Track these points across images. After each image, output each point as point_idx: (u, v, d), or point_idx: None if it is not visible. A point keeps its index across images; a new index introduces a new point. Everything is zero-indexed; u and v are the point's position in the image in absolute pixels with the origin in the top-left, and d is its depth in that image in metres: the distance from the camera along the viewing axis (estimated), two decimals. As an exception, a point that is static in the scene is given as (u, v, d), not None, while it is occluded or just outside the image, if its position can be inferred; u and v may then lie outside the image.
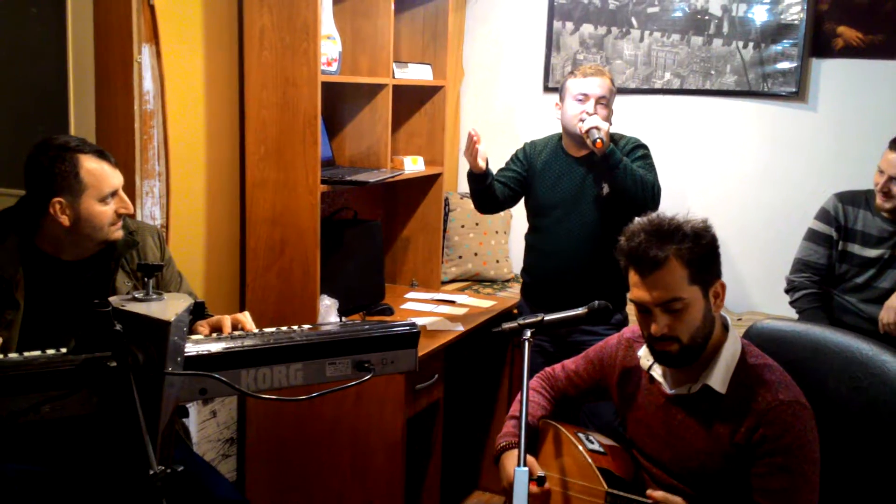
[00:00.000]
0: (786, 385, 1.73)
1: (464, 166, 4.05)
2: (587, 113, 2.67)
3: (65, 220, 1.90)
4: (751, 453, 1.71)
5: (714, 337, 1.77)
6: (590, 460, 1.86)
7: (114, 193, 1.95)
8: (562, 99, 2.80)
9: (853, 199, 2.89)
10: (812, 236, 2.95)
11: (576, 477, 1.89)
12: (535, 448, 2.03)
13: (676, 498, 1.70)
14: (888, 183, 2.73)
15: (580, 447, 1.90)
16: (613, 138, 2.75)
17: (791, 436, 1.67)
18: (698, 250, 1.72)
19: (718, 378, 1.76)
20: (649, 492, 1.71)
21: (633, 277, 1.75)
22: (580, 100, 2.71)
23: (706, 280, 1.74)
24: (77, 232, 1.93)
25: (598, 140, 2.58)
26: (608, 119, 2.72)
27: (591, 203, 2.77)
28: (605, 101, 2.72)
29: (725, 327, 1.81)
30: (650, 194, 2.65)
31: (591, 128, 2.61)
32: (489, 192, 2.79)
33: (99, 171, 1.92)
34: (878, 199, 2.77)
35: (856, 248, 2.86)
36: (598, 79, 2.72)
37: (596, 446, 1.93)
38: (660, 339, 1.73)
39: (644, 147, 2.78)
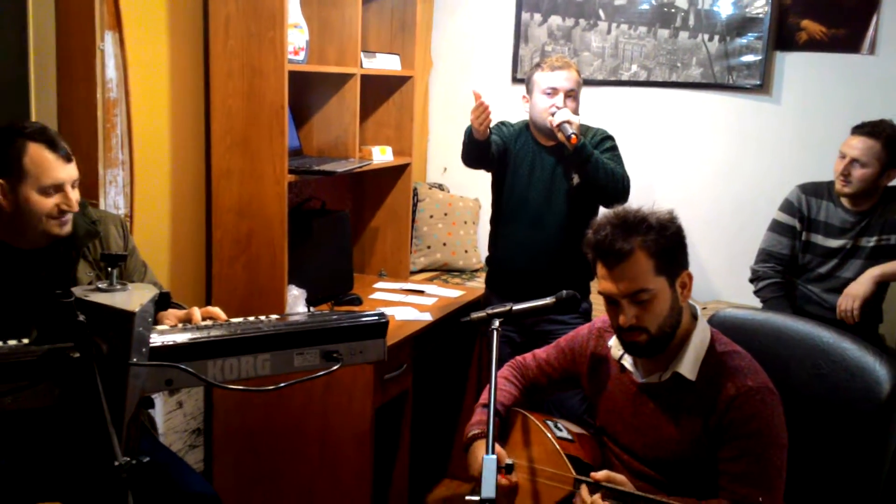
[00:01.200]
0: (754, 371, 1.76)
1: (433, 157, 4.06)
2: (556, 107, 2.68)
3: (4, 203, 1.88)
4: (719, 438, 1.74)
5: (682, 326, 1.80)
6: (558, 447, 1.88)
7: (58, 187, 1.89)
8: (529, 91, 2.80)
9: (816, 191, 2.94)
10: (776, 227, 2.99)
11: (544, 464, 1.91)
12: (505, 436, 2.04)
13: (620, 476, 1.72)
14: (848, 166, 2.78)
15: (548, 434, 1.92)
16: (581, 130, 2.76)
17: (758, 421, 1.70)
18: (663, 242, 1.74)
19: (688, 366, 1.78)
20: (592, 473, 1.72)
21: (600, 270, 1.77)
22: (549, 93, 2.71)
23: (672, 271, 1.76)
24: (18, 219, 1.90)
25: (573, 136, 2.58)
26: (576, 111, 2.73)
27: (561, 194, 2.78)
28: (573, 94, 2.73)
29: (694, 316, 1.84)
30: (621, 186, 2.66)
31: (563, 122, 2.61)
32: (486, 149, 2.71)
33: (42, 161, 1.87)
34: (838, 184, 2.82)
35: (819, 239, 2.91)
36: (565, 72, 2.72)
37: (564, 434, 1.95)
38: (628, 329, 1.75)
39: (611, 139, 2.80)
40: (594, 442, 2.00)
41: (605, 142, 2.78)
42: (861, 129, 2.82)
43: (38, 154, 1.86)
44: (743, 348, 1.83)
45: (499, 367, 1.83)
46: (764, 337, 2.04)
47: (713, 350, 1.80)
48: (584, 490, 1.72)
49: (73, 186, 1.94)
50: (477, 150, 2.71)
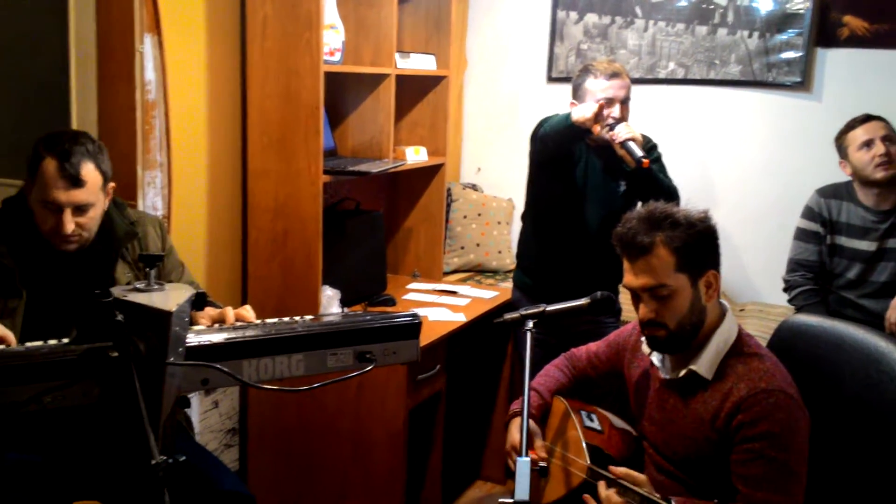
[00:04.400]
0: (771, 374, 1.73)
1: (467, 157, 4.05)
2: (613, 118, 2.56)
3: (30, 202, 1.91)
4: (729, 439, 1.73)
5: (707, 325, 1.79)
6: (581, 435, 1.91)
7: (56, 207, 1.86)
8: (579, 98, 2.66)
9: (835, 192, 2.90)
10: (800, 235, 2.96)
11: (569, 451, 1.95)
12: (545, 420, 2.10)
13: (640, 476, 1.72)
14: (885, 146, 2.72)
15: (577, 423, 1.95)
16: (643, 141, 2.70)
17: (768, 424, 1.68)
18: (688, 238, 1.74)
19: (705, 364, 1.78)
20: (611, 467, 1.74)
21: (625, 263, 1.80)
22: (606, 104, 2.56)
23: (696, 269, 1.75)
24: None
25: (644, 159, 2.46)
26: (627, 117, 2.62)
27: (609, 197, 2.73)
28: (627, 103, 2.63)
29: (723, 315, 1.82)
30: (673, 199, 2.58)
31: (628, 140, 2.49)
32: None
33: (48, 177, 1.85)
34: (880, 173, 2.73)
35: (843, 240, 2.86)
36: (619, 80, 2.60)
37: (595, 424, 1.97)
38: (648, 323, 1.78)
39: (656, 147, 2.76)
40: (630, 438, 2.00)
41: (653, 152, 2.73)
42: (863, 119, 2.82)
43: (47, 169, 1.86)
44: (804, 356, 1.82)
45: (532, 369, 1.84)
46: (825, 345, 2.01)
47: (736, 351, 1.80)
48: (601, 484, 1.74)
49: (80, 210, 1.89)
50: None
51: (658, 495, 1.66)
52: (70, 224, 1.88)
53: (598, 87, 2.60)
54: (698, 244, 1.76)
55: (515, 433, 2.00)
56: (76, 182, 1.87)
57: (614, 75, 2.59)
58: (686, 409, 1.82)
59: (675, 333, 1.77)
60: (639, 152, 2.48)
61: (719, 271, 1.81)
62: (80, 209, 1.89)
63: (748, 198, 3.47)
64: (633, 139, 2.49)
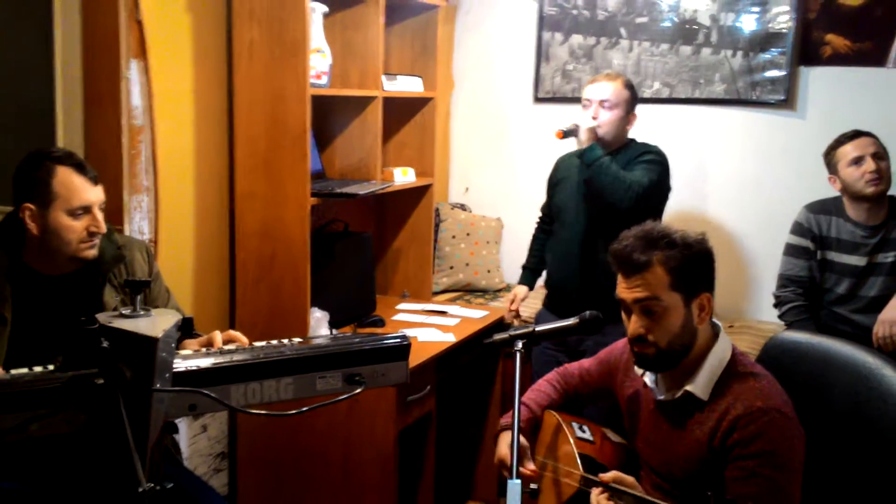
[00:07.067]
0: (766, 393, 1.73)
1: (455, 177, 4.06)
2: (593, 117, 2.77)
3: (33, 228, 1.90)
4: (724, 458, 1.72)
5: (698, 346, 1.79)
6: (574, 446, 1.91)
7: (86, 209, 1.92)
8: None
9: (823, 208, 2.91)
10: (790, 250, 2.97)
11: (562, 462, 1.94)
12: (535, 434, 2.10)
13: (629, 478, 1.72)
14: (875, 163, 2.74)
15: (570, 434, 1.95)
16: (629, 145, 2.82)
17: (763, 442, 1.67)
18: (684, 259, 1.75)
19: (700, 384, 1.78)
20: (600, 474, 1.74)
21: (619, 278, 1.81)
22: (585, 105, 2.81)
23: (690, 290, 1.76)
24: (47, 244, 1.92)
25: (559, 130, 2.73)
26: (617, 121, 2.78)
27: (590, 206, 2.80)
28: (607, 104, 2.76)
29: (716, 335, 1.82)
30: (623, 188, 2.63)
31: (573, 124, 2.74)
32: None
33: (71, 184, 1.89)
34: (870, 188, 2.75)
35: (833, 256, 2.87)
36: (598, 83, 2.80)
37: (587, 435, 1.98)
38: (637, 340, 1.78)
39: (653, 153, 2.79)
40: (622, 449, 2.00)
41: (645, 155, 2.77)
42: (853, 135, 2.83)
43: (66, 177, 1.89)
44: (793, 373, 1.82)
45: (522, 389, 1.83)
46: (813, 361, 2.00)
47: (731, 370, 1.79)
48: (593, 490, 1.73)
49: (100, 209, 1.96)
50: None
51: (650, 497, 1.65)
52: (102, 222, 1.94)
53: (584, 92, 2.86)
54: (694, 265, 1.76)
55: (504, 447, 1.99)
56: (96, 181, 1.95)
57: (598, 80, 2.83)
58: (682, 431, 1.81)
59: (664, 352, 1.76)
60: (564, 126, 2.75)
61: (713, 294, 1.81)
62: (99, 208, 1.95)
63: (734, 215, 3.49)
64: (577, 124, 2.75)
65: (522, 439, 1.98)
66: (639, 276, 1.75)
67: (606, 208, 2.70)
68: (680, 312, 1.75)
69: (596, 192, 2.72)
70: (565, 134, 2.78)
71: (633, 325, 1.77)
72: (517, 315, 3.09)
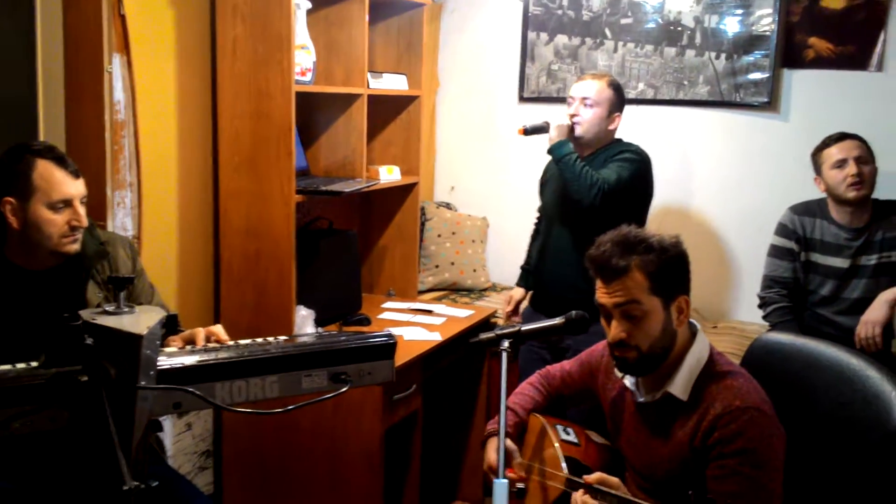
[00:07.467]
0: (746, 391, 1.74)
1: (441, 176, 4.06)
2: (573, 115, 2.80)
3: (13, 221, 1.88)
4: (704, 457, 1.73)
5: (677, 348, 1.80)
6: (558, 448, 1.92)
7: (67, 203, 1.90)
8: None
9: (807, 210, 2.93)
10: (774, 252, 2.98)
11: (547, 465, 1.95)
12: (521, 437, 2.09)
13: (614, 479, 1.72)
14: (858, 167, 2.76)
15: (554, 437, 1.96)
16: (612, 145, 2.82)
17: (743, 440, 1.68)
18: (661, 263, 1.76)
19: (679, 385, 1.79)
20: (584, 476, 1.74)
21: (598, 284, 1.82)
22: (569, 102, 2.84)
23: (668, 293, 1.77)
24: (28, 238, 1.90)
25: (521, 127, 2.82)
26: (597, 120, 2.79)
27: (565, 205, 2.80)
28: (588, 102, 2.78)
29: (693, 335, 1.84)
30: (587, 185, 2.63)
31: (543, 121, 2.80)
32: None
33: (51, 177, 1.88)
34: (852, 192, 2.76)
35: (818, 258, 2.89)
36: (586, 81, 2.83)
37: (571, 437, 1.98)
38: (618, 345, 1.78)
39: (631, 152, 2.78)
40: (607, 451, 2.01)
41: (622, 153, 2.77)
42: (838, 137, 2.84)
43: (46, 170, 1.87)
44: (777, 373, 1.83)
45: (509, 388, 1.83)
46: (797, 363, 2.01)
47: (709, 370, 1.80)
48: (577, 492, 1.73)
49: (81, 203, 1.94)
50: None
51: (632, 497, 1.66)
52: (84, 216, 1.92)
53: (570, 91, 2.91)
54: (671, 269, 1.78)
55: (492, 453, 1.99)
56: (77, 174, 1.93)
57: (582, 79, 2.87)
58: (663, 433, 1.82)
59: (645, 356, 1.77)
60: (528, 124, 2.84)
61: (689, 296, 1.82)
62: (80, 202, 1.93)
63: (717, 216, 3.51)
64: (547, 121, 2.81)
65: (510, 443, 1.98)
66: (618, 282, 1.76)
67: (573, 205, 2.70)
68: (660, 316, 1.76)
69: (564, 188, 2.74)
70: (527, 131, 2.82)
71: (614, 329, 1.78)
72: (515, 313, 3.06)
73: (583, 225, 2.69)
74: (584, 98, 2.79)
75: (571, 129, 2.79)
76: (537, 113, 3.70)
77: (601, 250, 1.79)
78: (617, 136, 2.89)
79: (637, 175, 2.75)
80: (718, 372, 1.79)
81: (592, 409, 2.12)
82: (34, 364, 1.29)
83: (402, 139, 3.41)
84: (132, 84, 2.47)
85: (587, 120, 2.78)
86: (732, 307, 3.50)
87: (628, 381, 1.90)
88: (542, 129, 2.80)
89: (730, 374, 1.79)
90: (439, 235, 3.78)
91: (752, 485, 1.67)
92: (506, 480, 1.52)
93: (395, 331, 2.54)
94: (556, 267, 2.84)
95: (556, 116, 2.81)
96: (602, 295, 1.79)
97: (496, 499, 1.48)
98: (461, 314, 3.26)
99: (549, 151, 2.77)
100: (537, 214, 3.14)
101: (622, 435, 1.94)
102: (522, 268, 3.13)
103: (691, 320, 1.84)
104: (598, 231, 1.87)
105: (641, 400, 1.87)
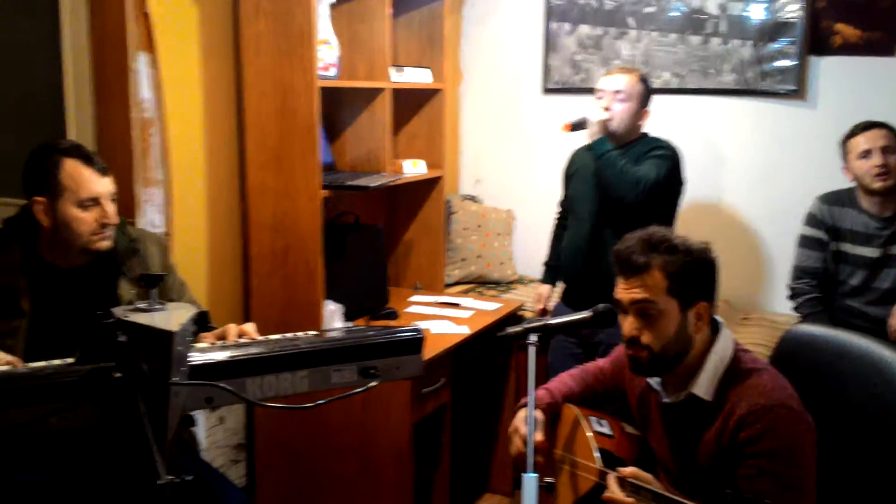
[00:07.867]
0: (772, 389, 1.72)
1: (466, 169, 4.06)
2: (606, 109, 2.77)
3: (45, 220, 1.91)
4: (734, 457, 1.71)
5: (697, 349, 1.79)
6: (591, 440, 1.91)
7: (95, 201, 1.92)
8: None
9: (837, 199, 2.90)
10: (805, 242, 2.95)
11: (580, 456, 1.94)
12: (554, 426, 2.09)
13: (647, 475, 1.71)
14: (883, 157, 2.72)
15: (588, 428, 1.95)
16: (641, 139, 2.80)
17: (770, 440, 1.66)
18: (683, 266, 1.74)
19: (703, 386, 1.77)
20: (619, 468, 1.73)
21: (618, 279, 1.81)
22: (599, 96, 2.81)
23: (687, 297, 1.75)
24: (59, 236, 1.92)
25: (567, 123, 2.78)
26: (630, 114, 2.77)
27: (600, 199, 2.79)
28: (620, 96, 2.76)
29: (715, 332, 1.81)
30: (630, 183, 2.63)
31: (582, 117, 2.77)
32: None
33: (78, 175, 1.90)
34: (878, 183, 2.73)
35: (847, 247, 2.86)
36: (616, 75, 2.80)
37: (605, 429, 1.97)
38: (630, 342, 1.78)
39: (665, 148, 2.76)
40: (642, 445, 2.00)
41: (656, 150, 2.75)
42: (865, 126, 2.80)
43: (74, 169, 1.90)
44: (807, 364, 1.80)
45: (544, 380, 1.83)
46: (828, 354, 1.99)
47: (734, 369, 1.78)
48: (611, 482, 1.72)
49: (112, 200, 1.96)
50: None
51: (667, 493, 1.65)
52: (114, 213, 1.94)
53: (599, 84, 2.87)
54: (693, 273, 1.76)
55: (520, 419, 2.00)
56: (105, 172, 1.94)
57: (612, 73, 2.84)
58: (690, 434, 1.80)
59: (657, 356, 1.76)
60: (573, 119, 2.79)
61: (713, 304, 1.80)
62: (110, 200, 1.95)
63: (746, 206, 3.47)
64: (586, 117, 2.77)
65: (538, 413, 1.98)
66: (637, 278, 1.75)
67: (614, 202, 2.69)
68: (675, 318, 1.75)
69: (605, 187, 2.72)
70: (573, 127, 2.78)
71: (628, 326, 1.78)
72: (546, 312, 3.05)
73: (614, 218, 2.69)
74: (617, 92, 2.76)
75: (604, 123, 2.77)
76: (562, 105, 3.70)
77: (625, 246, 1.79)
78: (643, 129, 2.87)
79: (673, 172, 2.75)
80: (743, 370, 1.77)
81: (622, 407, 2.11)
82: (69, 361, 1.31)
83: (426, 133, 3.41)
84: (158, 82, 2.48)
85: (620, 114, 2.76)
86: (764, 298, 3.46)
87: (653, 382, 1.89)
88: (584, 125, 2.78)
89: (755, 371, 1.76)
90: (465, 228, 3.78)
91: (782, 484, 1.65)
92: (535, 475, 1.51)
93: (422, 324, 2.55)
94: (587, 259, 2.81)
95: (592, 112, 2.77)
96: (620, 290, 1.79)
97: (525, 493, 1.48)
98: (489, 307, 3.26)
99: (590, 148, 2.75)
100: (558, 209, 3.12)
101: (650, 433, 1.94)
102: (546, 264, 3.12)
103: (715, 317, 1.82)
104: (635, 226, 1.86)
105: (666, 401, 1.85)
